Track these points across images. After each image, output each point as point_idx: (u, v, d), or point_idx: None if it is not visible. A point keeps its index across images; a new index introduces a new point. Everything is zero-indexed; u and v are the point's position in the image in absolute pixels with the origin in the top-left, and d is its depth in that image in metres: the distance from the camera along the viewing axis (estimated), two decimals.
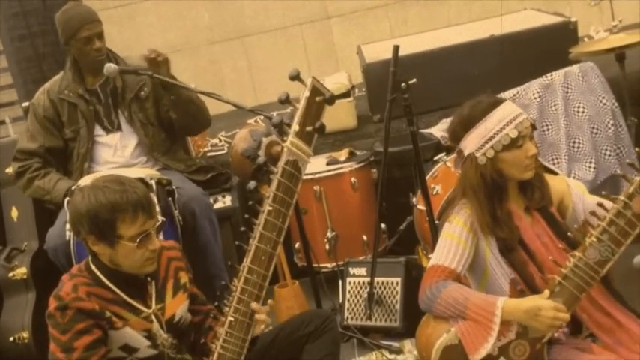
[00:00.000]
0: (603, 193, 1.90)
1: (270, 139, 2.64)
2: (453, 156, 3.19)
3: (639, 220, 1.82)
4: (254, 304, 1.96)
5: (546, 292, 1.94)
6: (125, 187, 1.97)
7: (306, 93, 1.93)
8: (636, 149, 1.88)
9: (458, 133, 2.09)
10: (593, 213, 1.90)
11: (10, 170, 3.30)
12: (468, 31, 4.28)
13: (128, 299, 2.05)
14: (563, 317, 1.90)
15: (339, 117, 3.86)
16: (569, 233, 2.00)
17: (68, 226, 2.83)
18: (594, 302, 2.00)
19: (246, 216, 1.98)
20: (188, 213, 3.02)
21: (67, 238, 2.86)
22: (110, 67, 2.93)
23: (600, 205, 1.89)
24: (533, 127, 2.07)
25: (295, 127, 1.93)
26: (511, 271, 2.05)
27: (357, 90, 4.14)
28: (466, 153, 2.07)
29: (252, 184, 2.01)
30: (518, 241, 2.06)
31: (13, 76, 4.92)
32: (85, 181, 2.87)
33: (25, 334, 3.09)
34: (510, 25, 4.09)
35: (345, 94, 3.85)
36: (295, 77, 1.95)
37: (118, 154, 3.22)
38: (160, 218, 2.09)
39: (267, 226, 1.93)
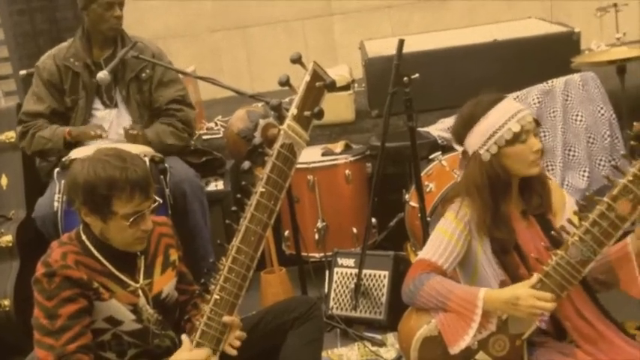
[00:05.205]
0: (587, 193, 1.90)
1: (268, 121, 2.64)
2: (449, 155, 3.21)
3: (622, 222, 1.82)
4: (227, 317, 1.93)
5: (527, 281, 1.93)
6: (126, 164, 1.94)
7: (307, 77, 1.92)
8: (622, 152, 1.89)
9: (461, 132, 2.08)
10: (569, 221, 1.90)
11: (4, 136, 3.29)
12: (471, 34, 4.29)
13: (116, 272, 2.03)
14: (543, 305, 1.88)
15: (338, 109, 3.86)
16: (552, 232, 1.99)
17: (57, 196, 2.85)
18: (578, 312, 2.01)
19: (238, 195, 1.96)
20: (179, 193, 3.01)
21: (55, 208, 2.85)
22: (101, 76, 2.95)
23: (576, 213, 1.90)
24: (537, 122, 2.05)
25: (293, 110, 1.92)
26: (502, 273, 2.04)
27: (356, 85, 4.14)
28: (470, 152, 2.06)
29: (246, 164, 2.00)
30: (513, 244, 2.05)
31: (9, 49, 4.91)
32: (78, 153, 2.86)
33: (7, 302, 3.07)
34: (514, 32, 4.10)
35: (345, 87, 3.85)
36: (297, 61, 1.94)
37: (112, 131, 3.20)
38: (157, 199, 2.07)
39: (259, 208, 1.92)
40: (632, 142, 1.82)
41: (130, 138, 3.08)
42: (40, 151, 3.16)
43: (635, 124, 2.78)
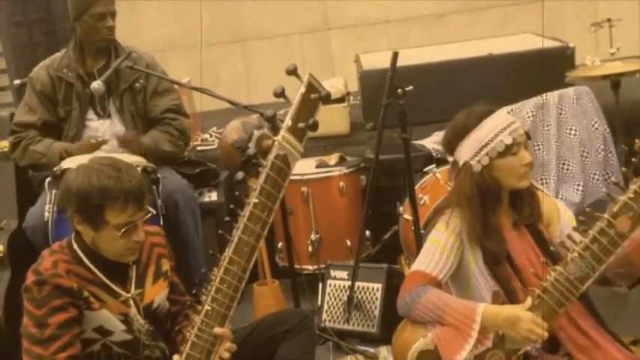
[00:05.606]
0: (587, 208, 1.89)
1: (262, 132, 2.64)
2: (443, 168, 3.20)
3: (622, 239, 1.82)
4: (217, 329, 1.91)
5: (529, 300, 1.93)
6: (121, 173, 1.94)
7: (302, 89, 1.92)
8: (623, 169, 1.89)
9: (452, 142, 2.09)
10: (568, 237, 1.90)
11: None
12: (466, 48, 4.31)
13: (107, 281, 2.02)
14: (540, 333, 1.89)
15: (333, 121, 3.86)
16: (551, 247, 2.00)
17: (47, 206, 2.84)
18: (573, 322, 2.00)
19: (232, 206, 1.96)
20: (171, 204, 3.00)
21: (46, 219, 2.84)
22: (95, 86, 2.97)
23: (576, 229, 1.89)
24: (528, 135, 2.07)
25: (288, 121, 1.91)
26: (494, 284, 2.04)
27: (351, 98, 4.15)
28: (461, 162, 2.07)
29: (240, 175, 2.00)
30: (505, 254, 2.05)
31: (7, 61, 4.91)
32: (70, 162, 2.85)
33: None
34: (509, 46, 4.12)
35: (340, 99, 3.86)
36: (292, 72, 1.93)
37: None
38: (151, 210, 2.06)
39: (252, 219, 1.91)
40: (632, 159, 1.82)
41: (124, 145, 3.07)
42: (33, 164, 3.16)
43: (636, 141, 2.80)
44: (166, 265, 2.17)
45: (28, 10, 4.61)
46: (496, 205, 2.06)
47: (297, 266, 3.15)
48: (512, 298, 2.01)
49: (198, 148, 4.08)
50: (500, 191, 2.06)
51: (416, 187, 3.06)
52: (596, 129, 3.35)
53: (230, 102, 2.81)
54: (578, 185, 3.30)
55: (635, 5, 5.06)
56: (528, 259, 2.05)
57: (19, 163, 3.21)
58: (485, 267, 2.05)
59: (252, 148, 2.59)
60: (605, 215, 1.82)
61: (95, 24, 3.09)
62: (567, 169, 3.33)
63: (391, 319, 2.26)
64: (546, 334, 1.90)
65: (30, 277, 1.94)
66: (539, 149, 3.34)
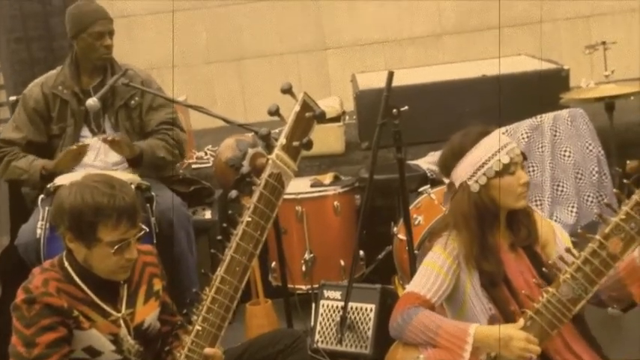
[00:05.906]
0: (580, 230, 1.89)
1: (256, 151, 2.63)
2: (438, 188, 3.20)
3: (614, 260, 1.81)
4: (208, 349, 1.88)
5: (521, 321, 1.92)
6: (114, 191, 1.93)
7: (297, 108, 1.92)
8: (615, 190, 1.89)
9: (449, 163, 2.09)
10: (560, 258, 1.89)
11: None
12: (461, 70, 4.33)
13: (98, 301, 2.00)
14: (534, 349, 1.88)
15: (328, 141, 3.87)
16: (543, 269, 1.99)
17: (40, 223, 2.83)
18: (567, 346, 1.99)
19: (224, 225, 1.94)
20: (165, 222, 2.99)
21: (38, 236, 2.83)
22: (91, 103, 2.99)
23: (569, 250, 1.89)
24: (524, 155, 2.07)
25: (282, 140, 1.91)
26: (491, 307, 2.03)
27: (347, 117, 4.17)
28: (458, 183, 2.07)
29: (233, 193, 1.98)
30: (502, 276, 2.04)
31: (5, 77, 4.91)
32: (63, 179, 2.84)
33: None
34: (504, 68, 4.15)
35: (336, 119, 3.87)
36: (287, 91, 1.94)
37: (99, 158, 3.20)
38: (144, 228, 2.05)
39: (245, 237, 1.90)
40: (624, 180, 1.82)
41: (112, 146, 3.06)
42: (15, 180, 3.17)
43: (627, 162, 2.80)
44: (158, 285, 2.15)
45: (28, 26, 4.62)
46: (494, 226, 2.06)
47: (290, 286, 3.13)
48: (509, 322, 1.99)
49: (193, 166, 4.08)
50: (498, 212, 2.06)
51: (410, 208, 3.05)
52: (591, 151, 3.36)
53: (225, 120, 2.82)
54: (573, 207, 3.31)
55: (629, 28, 5.10)
56: (525, 282, 2.04)
57: (2, 177, 3.22)
58: (482, 290, 2.04)
59: (246, 167, 2.59)
60: (597, 236, 1.82)
61: (93, 42, 3.11)
62: (561, 191, 3.33)
63: (384, 340, 2.24)
64: (539, 349, 1.88)
65: (20, 295, 1.92)
66: (533, 171, 3.34)
